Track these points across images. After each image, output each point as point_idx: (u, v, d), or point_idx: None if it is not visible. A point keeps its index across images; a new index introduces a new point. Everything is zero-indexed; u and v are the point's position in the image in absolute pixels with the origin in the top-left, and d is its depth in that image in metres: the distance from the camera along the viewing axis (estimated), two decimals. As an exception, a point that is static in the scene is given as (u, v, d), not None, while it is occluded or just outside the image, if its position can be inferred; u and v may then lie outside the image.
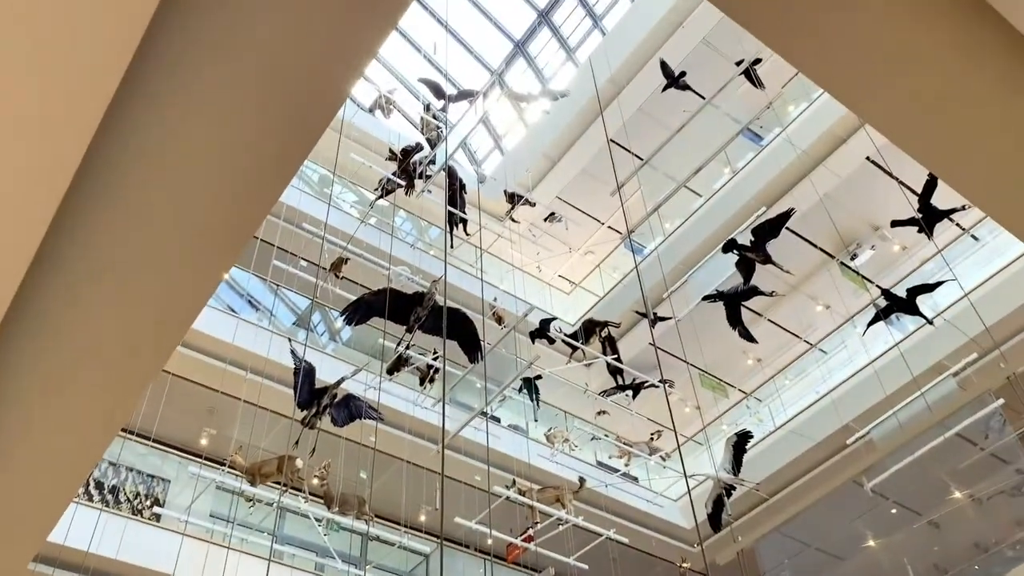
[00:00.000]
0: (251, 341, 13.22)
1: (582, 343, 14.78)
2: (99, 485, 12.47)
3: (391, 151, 13.44)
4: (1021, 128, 3.51)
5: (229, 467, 11.02)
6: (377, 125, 17.29)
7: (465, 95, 14.38)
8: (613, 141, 12.64)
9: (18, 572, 5.16)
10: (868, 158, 14.88)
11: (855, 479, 14.28)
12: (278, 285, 13.99)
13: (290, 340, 11.92)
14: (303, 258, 13.14)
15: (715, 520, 12.20)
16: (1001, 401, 12.06)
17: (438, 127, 13.41)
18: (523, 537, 12.34)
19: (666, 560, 16.52)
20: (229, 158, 3.54)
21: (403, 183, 13.18)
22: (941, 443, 11.84)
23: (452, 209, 12.97)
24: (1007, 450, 14.64)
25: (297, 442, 10.18)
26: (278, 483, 10.46)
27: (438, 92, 13.86)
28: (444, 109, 13.87)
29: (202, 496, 13.28)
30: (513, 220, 15.93)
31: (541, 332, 14.52)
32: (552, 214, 18.22)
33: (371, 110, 15.20)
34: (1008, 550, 14.71)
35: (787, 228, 12.11)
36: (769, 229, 11.53)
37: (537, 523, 12.44)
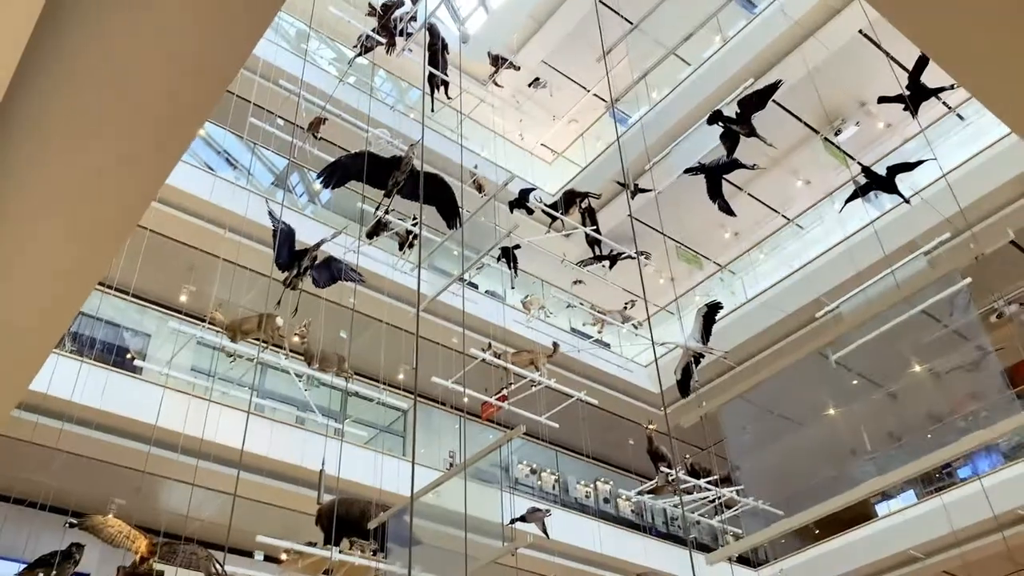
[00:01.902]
0: (229, 199, 13.10)
1: (562, 213, 14.78)
2: (75, 338, 12.53)
3: (371, 5, 12.89)
4: (1015, 7, 3.43)
5: (209, 323, 11.17)
6: (357, -24, 16.52)
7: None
8: (602, 2, 12.20)
9: (0, 418, 5.32)
10: (860, 31, 14.51)
11: (820, 351, 14.71)
12: (255, 143, 13.72)
13: (267, 201, 11.82)
14: (280, 116, 12.84)
15: (684, 386, 12.64)
16: (968, 280, 12.30)
17: (420, -20, 12.82)
18: (497, 396, 12.76)
19: (633, 421, 17.22)
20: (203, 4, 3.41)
21: (383, 40, 12.71)
22: (906, 319, 12.15)
23: (433, 70, 12.59)
24: (969, 327, 15.06)
25: (279, 302, 10.30)
26: (258, 340, 10.64)
27: (419, -60, 13.14)
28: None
29: (183, 351, 13.51)
30: (496, 84, 15.51)
31: (520, 202, 14.47)
32: (537, 79, 17.74)
33: (350, -40, 14.48)
34: (960, 421, 15.34)
35: (773, 101, 11.91)
36: (756, 101, 11.35)
37: (511, 384, 12.85)
